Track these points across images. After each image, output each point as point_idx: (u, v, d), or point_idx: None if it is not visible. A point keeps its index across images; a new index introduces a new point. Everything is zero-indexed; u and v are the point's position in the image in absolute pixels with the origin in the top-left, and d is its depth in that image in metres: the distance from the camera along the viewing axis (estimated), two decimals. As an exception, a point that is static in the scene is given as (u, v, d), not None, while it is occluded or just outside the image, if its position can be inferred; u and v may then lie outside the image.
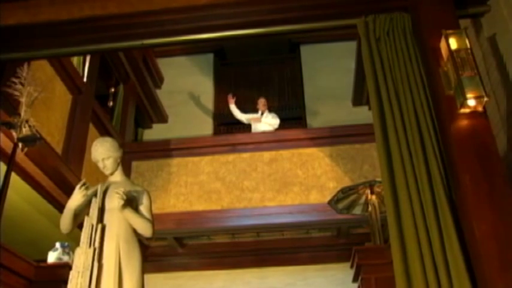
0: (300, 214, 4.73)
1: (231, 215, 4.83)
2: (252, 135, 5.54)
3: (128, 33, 3.12)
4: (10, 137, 2.85)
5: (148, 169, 5.16)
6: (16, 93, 2.68)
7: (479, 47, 2.78)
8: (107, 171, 2.66)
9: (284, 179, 4.92)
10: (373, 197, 3.64)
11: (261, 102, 6.02)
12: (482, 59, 2.74)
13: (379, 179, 3.48)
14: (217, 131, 6.43)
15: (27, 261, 3.25)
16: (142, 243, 2.65)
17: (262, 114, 5.93)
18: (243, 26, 3.08)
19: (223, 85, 6.89)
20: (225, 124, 6.52)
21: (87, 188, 2.49)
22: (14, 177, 3.42)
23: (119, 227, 2.45)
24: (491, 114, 2.54)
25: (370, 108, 3.92)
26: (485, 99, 2.27)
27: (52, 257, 3.58)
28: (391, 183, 2.32)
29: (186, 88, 6.67)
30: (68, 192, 2.83)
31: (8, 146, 2.93)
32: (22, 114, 2.63)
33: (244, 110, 6.21)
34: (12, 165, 2.60)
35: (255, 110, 6.10)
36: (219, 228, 4.95)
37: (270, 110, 6.13)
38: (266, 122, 5.80)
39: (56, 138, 3.99)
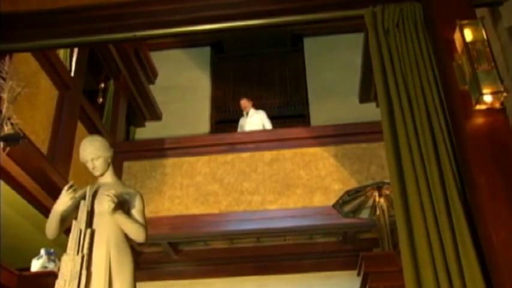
0: (303, 218, 4.73)
1: (230, 218, 4.83)
2: (251, 134, 5.54)
3: (119, 25, 3.11)
4: (-9, 136, 2.83)
5: (141, 170, 5.15)
6: (-3, 88, 2.67)
7: (497, 38, 2.75)
8: (97, 172, 2.65)
9: (286, 180, 4.91)
10: (382, 199, 3.63)
11: (243, 103, 6.01)
12: (500, 52, 2.71)
13: (387, 181, 3.46)
14: (214, 130, 6.43)
15: (8, 269, 3.24)
16: (134, 249, 2.64)
17: (247, 114, 5.92)
18: (242, 17, 3.06)
19: (221, 80, 6.89)
20: (223, 122, 6.51)
21: (75, 191, 2.48)
22: (-4, 179, 3.41)
23: (109, 231, 2.44)
24: (510, 110, 2.52)
25: (378, 105, 3.91)
26: (504, 94, 2.24)
27: (36, 265, 3.57)
28: (401, 185, 2.30)
29: (182, 83, 6.66)
30: (54, 195, 2.81)
31: (-11, 145, 2.92)
32: (4, 111, 2.62)
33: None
34: (-7, 166, 2.59)
35: (253, 107, 6.11)
36: (216, 233, 4.94)
37: (270, 107, 6.13)
38: (252, 122, 5.75)
39: (40, 137, 3.98)
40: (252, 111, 5.97)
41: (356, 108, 6.02)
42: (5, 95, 2.65)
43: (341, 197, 3.82)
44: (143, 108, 6.41)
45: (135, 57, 6.12)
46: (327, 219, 4.59)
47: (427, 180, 2.26)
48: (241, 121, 5.98)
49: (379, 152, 4.82)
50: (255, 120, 5.83)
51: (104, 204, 2.44)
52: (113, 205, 2.40)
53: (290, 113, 6.48)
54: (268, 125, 5.85)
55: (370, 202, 3.81)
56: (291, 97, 6.64)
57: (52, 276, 2.94)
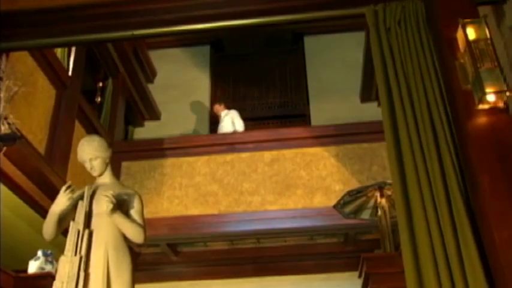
0: (304, 219, 4.72)
1: (229, 219, 4.82)
2: (251, 133, 5.54)
3: (117, 23, 3.11)
4: (-13, 136, 2.82)
5: (139, 170, 5.15)
6: (-6, 87, 2.67)
7: (500, 36, 2.75)
8: (95, 173, 2.65)
9: (286, 180, 4.91)
10: (383, 200, 3.62)
11: (214, 109, 6.05)
12: (504, 50, 2.71)
13: (389, 181, 3.46)
14: (214, 129, 6.42)
15: (5, 271, 3.23)
16: (133, 251, 2.63)
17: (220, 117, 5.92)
18: (242, 15, 3.06)
19: (221, 79, 6.88)
20: (223, 121, 6.49)
21: (72, 191, 2.48)
22: (-7, 179, 3.40)
23: (108, 233, 2.44)
24: (514, 110, 2.51)
25: (379, 105, 3.91)
26: (507, 94, 2.24)
27: (33, 267, 3.56)
28: (402, 185, 2.30)
29: (181, 82, 6.66)
30: (52, 195, 2.82)
31: (-15, 145, 2.91)
32: (0, 110, 2.61)
33: (243, 107, 6.21)
34: (-10, 166, 2.58)
35: (253, 106, 6.10)
36: (216, 234, 4.94)
37: (271, 106, 6.13)
38: (223, 125, 5.74)
39: (38, 137, 3.97)
40: (223, 113, 5.92)
41: (357, 108, 6.02)
42: (1, 94, 2.65)
43: (342, 198, 3.81)
44: (142, 108, 6.40)
45: (133, 56, 6.12)
46: (328, 220, 4.59)
47: (429, 181, 2.26)
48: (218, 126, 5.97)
49: (381, 152, 4.82)
50: (226, 122, 5.79)
51: (102, 205, 2.44)
52: (111, 206, 2.40)
53: (290, 112, 6.48)
54: (239, 125, 5.74)
55: (372, 203, 3.80)
56: (291, 96, 6.63)
57: (49, 278, 2.94)
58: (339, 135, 5.07)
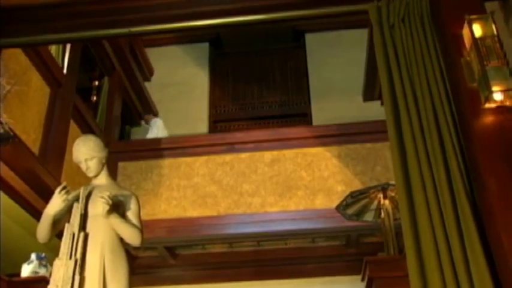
0: (305, 221, 4.72)
1: (229, 221, 4.82)
2: (251, 133, 5.54)
3: (114, 20, 3.10)
4: (-20, 136, 2.81)
5: (136, 171, 5.14)
6: (-13, 86, 2.66)
7: (508, 33, 2.75)
8: (91, 173, 2.65)
9: (287, 181, 4.91)
10: (386, 201, 3.63)
11: (145, 118, 6.17)
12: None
13: (392, 182, 3.46)
14: (213, 129, 6.43)
15: (-2, 275, 3.23)
16: (130, 254, 2.63)
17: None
18: (241, 12, 3.06)
19: (220, 78, 6.89)
20: (222, 121, 6.51)
21: (67, 192, 2.47)
22: (-15, 180, 3.40)
23: (104, 235, 2.44)
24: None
25: (382, 104, 3.90)
26: (515, 92, 2.24)
27: (27, 270, 3.56)
28: (406, 186, 2.30)
29: (179, 81, 6.66)
30: (46, 197, 2.81)
31: (-22, 145, 2.90)
32: (-7, 109, 2.61)
33: (242, 106, 6.21)
34: (-18, 166, 2.58)
35: (253, 105, 6.10)
36: (215, 236, 4.94)
37: (271, 105, 6.13)
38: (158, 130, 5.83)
39: (32, 137, 3.97)
40: (153, 120, 6.01)
41: (360, 107, 5.98)
42: (-6, 93, 2.64)
43: (344, 199, 3.82)
44: (139, 107, 6.41)
45: (130, 53, 6.12)
46: (330, 222, 4.58)
47: (433, 181, 2.25)
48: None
49: (384, 152, 4.82)
50: (154, 130, 5.90)
51: (98, 207, 2.44)
52: (107, 207, 2.40)
53: (291, 111, 6.49)
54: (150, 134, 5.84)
55: (375, 204, 3.80)
56: (292, 95, 6.64)
57: (43, 282, 2.94)
58: (341, 135, 5.07)
